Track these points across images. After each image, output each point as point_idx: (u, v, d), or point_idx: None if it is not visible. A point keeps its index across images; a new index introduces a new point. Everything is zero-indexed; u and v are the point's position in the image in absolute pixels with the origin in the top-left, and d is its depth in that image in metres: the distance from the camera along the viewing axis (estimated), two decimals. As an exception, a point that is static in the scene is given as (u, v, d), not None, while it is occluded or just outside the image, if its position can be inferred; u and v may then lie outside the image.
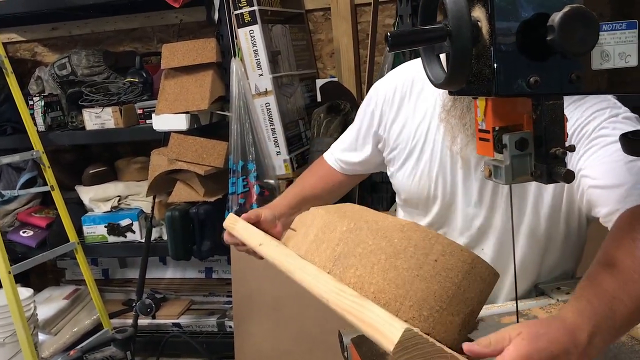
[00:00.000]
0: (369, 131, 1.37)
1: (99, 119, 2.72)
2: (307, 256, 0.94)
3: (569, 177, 0.71)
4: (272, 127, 2.54)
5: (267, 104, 2.52)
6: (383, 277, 0.82)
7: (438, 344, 0.72)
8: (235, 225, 1.23)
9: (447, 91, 1.15)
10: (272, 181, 2.51)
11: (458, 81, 0.70)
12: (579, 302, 0.81)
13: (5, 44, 2.85)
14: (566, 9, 0.65)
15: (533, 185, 1.14)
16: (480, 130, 0.80)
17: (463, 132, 1.14)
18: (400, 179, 1.30)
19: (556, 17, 0.65)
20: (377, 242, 0.86)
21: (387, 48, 0.67)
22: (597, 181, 1.04)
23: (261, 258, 1.21)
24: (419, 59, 0.77)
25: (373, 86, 1.38)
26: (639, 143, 0.78)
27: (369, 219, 0.91)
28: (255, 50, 2.48)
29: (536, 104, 0.73)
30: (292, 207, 1.38)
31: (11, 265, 2.36)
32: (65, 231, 2.69)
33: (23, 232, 2.93)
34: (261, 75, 2.50)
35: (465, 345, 0.76)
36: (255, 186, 2.46)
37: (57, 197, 2.65)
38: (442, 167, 1.22)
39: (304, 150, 2.70)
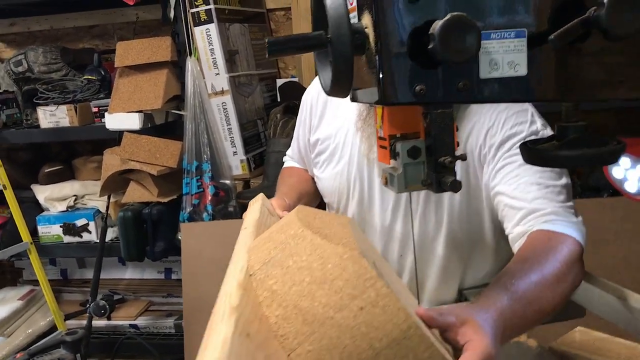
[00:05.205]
0: (304, 140, 1.37)
1: (53, 117, 2.67)
2: (250, 251, 0.82)
3: (456, 186, 0.70)
4: (229, 126, 2.52)
5: (224, 104, 2.50)
6: (294, 304, 0.69)
7: None
8: (252, 206, 1.11)
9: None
10: (227, 181, 2.49)
11: (342, 88, 0.69)
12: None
13: (-41, 40, 2.81)
14: (447, 17, 0.64)
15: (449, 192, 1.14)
16: (380, 138, 0.80)
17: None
18: (323, 181, 1.30)
19: (437, 26, 0.64)
20: (310, 260, 0.72)
21: (266, 54, 0.66)
22: (511, 200, 1.06)
23: None
24: None
25: (305, 93, 1.37)
26: (536, 152, 0.78)
27: (321, 231, 0.77)
28: (212, 49, 2.46)
29: (426, 112, 0.72)
30: (295, 200, 1.26)
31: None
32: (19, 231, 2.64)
33: (-24, 232, 2.88)
34: (217, 74, 2.47)
35: (421, 309, 0.74)
36: (209, 187, 2.43)
37: (9, 196, 2.59)
38: (359, 171, 1.22)
39: (262, 150, 2.67)
